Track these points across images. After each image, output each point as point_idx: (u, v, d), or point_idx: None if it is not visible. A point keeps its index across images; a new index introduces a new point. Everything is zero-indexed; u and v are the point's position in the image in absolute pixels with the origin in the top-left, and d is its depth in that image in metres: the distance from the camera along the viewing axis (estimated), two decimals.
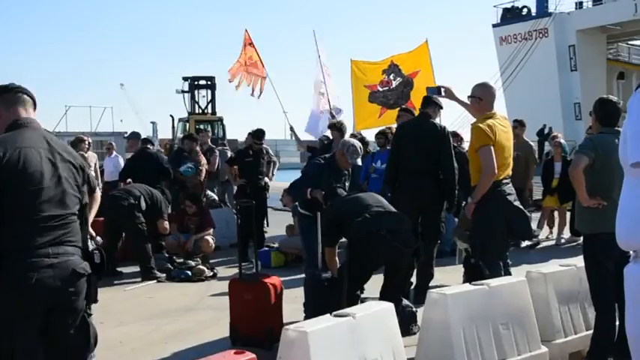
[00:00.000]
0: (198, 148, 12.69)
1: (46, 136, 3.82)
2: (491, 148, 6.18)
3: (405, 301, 6.63)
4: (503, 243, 6.48)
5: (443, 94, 7.13)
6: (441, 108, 8.33)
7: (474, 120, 6.54)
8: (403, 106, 11.08)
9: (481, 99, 6.44)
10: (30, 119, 3.86)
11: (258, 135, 11.65)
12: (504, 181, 6.35)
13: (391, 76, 14.10)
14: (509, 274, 6.42)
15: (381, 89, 14.17)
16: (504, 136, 6.37)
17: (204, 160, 12.48)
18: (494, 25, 39.96)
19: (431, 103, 8.10)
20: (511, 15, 39.38)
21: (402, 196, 7.84)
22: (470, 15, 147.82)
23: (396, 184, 8.02)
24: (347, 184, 7.80)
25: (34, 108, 3.98)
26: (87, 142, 12.72)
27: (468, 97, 6.60)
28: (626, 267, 3.30)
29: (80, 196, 3.79)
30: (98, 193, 4.37)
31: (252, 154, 11.45)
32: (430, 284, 7.63)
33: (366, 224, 6.12)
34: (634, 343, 3.31)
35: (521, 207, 6.49)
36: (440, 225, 8.07)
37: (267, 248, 10.70)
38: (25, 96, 3.94)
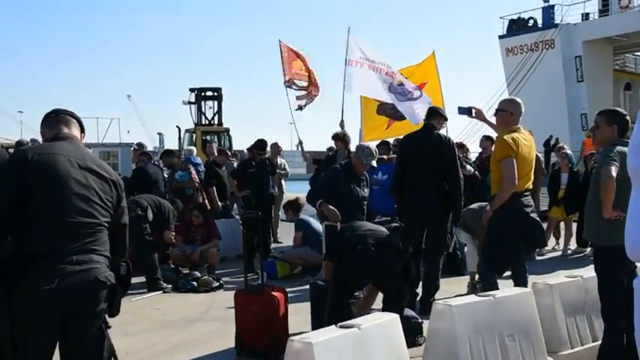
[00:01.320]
0: (176, 159, 12.64)
1: (82, 150, 3.85)
2: (514, 160, 6.39)
3: (411, 312, 6.61)
4: (514, 254, 6.62)
5: (473, 114, 7.19)
6: (446, 120, 8.38)
7: (484, 133, 6.93)
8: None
9: (512, 113, 6.75)
10: (70, 134, 3.90)
11: (260, 146, 11.67)
12: (525, 193, 6.54)
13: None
14: (525, 284, 6.43)
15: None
16: (526, 150, 6.59)
17: (193, 169, 12.46)
18: (500, 37, 39.94)
19: (436, 114, 8.14)
20: (517, 26, 39.34)
21: (408, 208, 7.87)
22: (476, 26, 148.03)
23: (402, 195, 8.03)
24: (366, 190, 7.88)
25: (80, 129, 4.03)
26: None
27: (497, 110, 6.86)
28: (635, 279, 3.29)
29: (111, 209, 3.79)
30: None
31: (255, 166, 11.45)
32: (438, 296, 7.61)
33: (352, 239, 6.28)
34: None
35: (537, 219, 6.67)
36: (445, 236, 8.04)
37: (272, 259, 10.68)
38: (69, 117, 4.00)
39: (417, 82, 14.05)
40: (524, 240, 6.61)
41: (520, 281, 6.66)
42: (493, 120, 6.93)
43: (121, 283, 3.84)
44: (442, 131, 8.34)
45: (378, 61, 13.25)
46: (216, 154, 13.66)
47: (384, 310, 5.97)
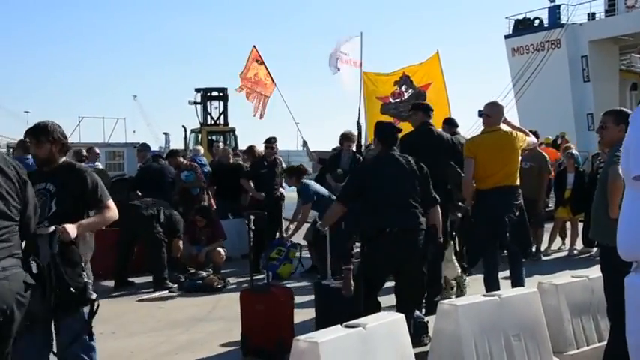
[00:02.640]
0: (182, 159, 12.53)
1: None
2: (472, 160, 7.11)
3: (417, 312, 6.61)
4: (483, 248, 7.24)
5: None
6: (431, 110, 8.39)
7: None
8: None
9: (489, 116, 7.26)
10: None
11: (269, 140, 11.61)
12: (496, 189, 7.04)
13: (403, 88, 14.04)
14: (522, 284, 6.79)
15: (392, 101, 14.11)
16: (494, 150, 7.10)
17: (199, 168, 12.36)
18: (506, 37, 39.87)
19: (429, 110, 8.11)
20: (523, 26, 39.27)
21: None
22: (482, 26, 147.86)
23: None
24: None
25: None
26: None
27: (479, 112, 7.33)
28: (627, 277, 3.33)
29: (19, 207, 3.68)
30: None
31: (267, 165, 11.44)
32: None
33: (377, 222, 5.97)
34: (635, 353, 3.32)
35: (508, 217, 7.05)
36: (447, 235, 7.98)
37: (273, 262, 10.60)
38: None
39: (421, 81, 14.06)
40: (495, 236, 7.15)
41: (517, 282, 7.10)
42: (515, 122, 7.41)
43: (36, 280, 3.69)
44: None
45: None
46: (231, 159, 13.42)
47: (397, 309, 5.93)
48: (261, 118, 13.97)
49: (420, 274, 6.16)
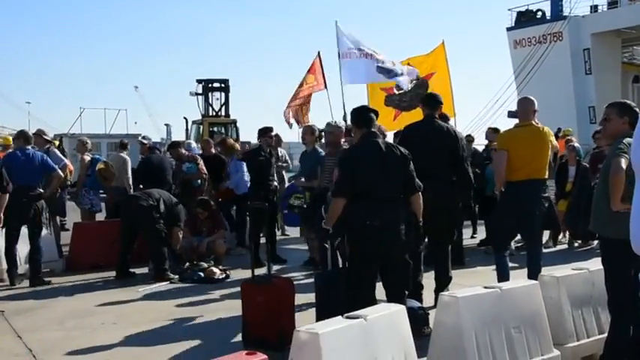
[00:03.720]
0: (184, 151, 12.47)
1: None
2: (504, 153, 7.44)
3: (417, 303, 6.62)
4: (508, 235, 7.97)
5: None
6: (441, 103, 8.34)
7: (491, 125, 7.52)
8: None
9: (520, 110, 7.70)
10: None
11: (264, 130, 11.37)
12: (525, 181, 7.35)
13: None
14: (535, 270, 7.15)
15: (397, 92, 14.10)
16: (524, 144, 7.43)
17: (200, 159, 12.26)
18: (508, 29, 39.79)
19: (436, 103, 8.02)
20: (525, 18, 39.18)
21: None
22: (484, 18, 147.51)
23: None
24: None
25: None
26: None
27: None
28: None
29: None
30: None
31: (264, 155, 11.16)
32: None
33: (363, 214, 5.89)
34: None
35: (535, 209, 7.36)
36: (453, 228, 8.00)
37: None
38: None
39: (425, 71, 14.05)
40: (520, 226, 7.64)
41: (531, 268, 7.45)
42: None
43: None
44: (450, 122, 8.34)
45: (365, 46, 13.39)
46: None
47: (388, 298, 5.94)
48: (298, 123, 14.10)
49: (403, 263, 6.12)
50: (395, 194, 6.00)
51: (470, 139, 13.49)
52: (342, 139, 9.15)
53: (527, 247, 8.01)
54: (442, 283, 7.71)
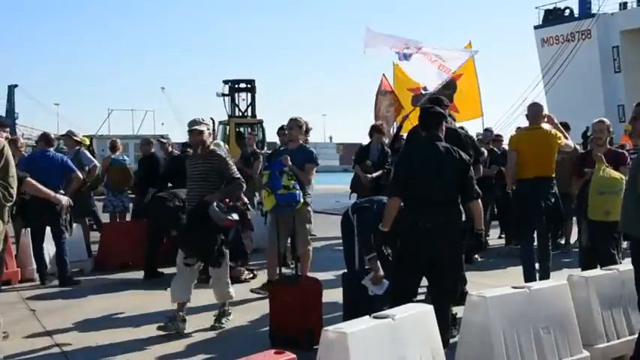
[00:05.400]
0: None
1: None
2: (513, 153, 8.18)
3: None
4: (521, 229, 8.44)
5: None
6: (447, 105, 8.29)
7: (519, 124, 7.95)
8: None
9: (527, 115, 8.32)
10: None
11: (283, 127, 11.28)
12: (533, 179, 7.89)
13: None
14: (545, 270, 7.99)
15: (424, 92, 14.05)
16: (531, 144, 8.04)
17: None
18: (535, 27, 39.54)
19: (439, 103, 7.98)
20: (553, 16, 38.91)
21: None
22: (511, 17, 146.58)
23: None
24: None
25: None
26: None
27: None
28: None
29: None
30: None
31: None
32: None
33: (414, 215, 5.82)
34: None
35: (542, 205, 7.85)
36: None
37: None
38: None
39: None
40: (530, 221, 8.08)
41: (540, 266, 8.08)
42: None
43: None
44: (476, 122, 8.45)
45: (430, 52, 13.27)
46: (255, 146, 13.30)
47: (434, 302, 5.82)
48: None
49: (453, 267, 6.02)
50: (449, 197, 5.85)
51: (499, 138, 13.42)
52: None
53: (538, 243, 8.29)
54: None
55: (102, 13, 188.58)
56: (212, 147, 7.33)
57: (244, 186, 7.34)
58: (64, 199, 7.88)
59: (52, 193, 7.60)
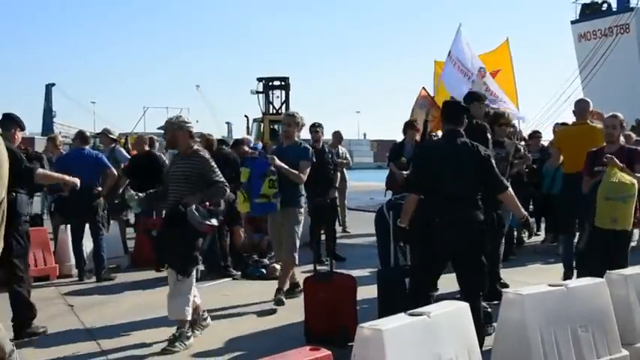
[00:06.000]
0: (247, 148, 12.50)
1: None
2: (555, 150, 8.90)
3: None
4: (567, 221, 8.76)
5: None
6: (483, 101, 8.24)
7: (556, 120, 8.07)
8: None
9: (574, 111, 8.66)
10: None
11: (314, 124, 11.27)
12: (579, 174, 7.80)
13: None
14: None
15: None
16: (574, 140, 8.44)
17: None
18: (572, 22, 39.02)
19: (472, 100, 7.93)
20: (590, 11, 38.34)
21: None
22: (548, 12, 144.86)
23: None
24: None
25: None
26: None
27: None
28: None
29: None
30: None
31: (315, 152, 10.94)
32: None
33: (432, 211, 5.78)
34: None
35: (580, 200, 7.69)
36: (501, 222, 7.89)
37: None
38: None
39: (491, 69, 13.99)
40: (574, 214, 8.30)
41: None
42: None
43: None
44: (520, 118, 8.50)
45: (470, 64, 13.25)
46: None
47: (463, 298, 5.77)
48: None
49: (477, 263, 5.88)
50: (468, 193, 5.80)
51: (537, 134, 13.30)
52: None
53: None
54: (490, 279, 7.62)
55: (137, 12, 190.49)
56: (196, 147, 6.75)
57: (227, 190, 6.80)
58: (77, 180, 7.37)
59: (65, 177, 7.28)
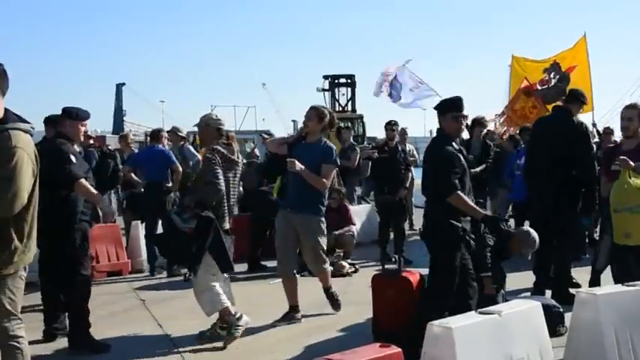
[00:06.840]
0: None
1: None
2: None
3: (552, 301, 6.42)
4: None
5: None
6: (585, 103, 8.07)
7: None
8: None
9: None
10: None
11: (389, 122, 11.27)
12: None
13: (551, 75, 13.96)
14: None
15: (540, 88, 14.00)
16: None
17: None
18: None
19: (574, 100, 7.80)
20: None
21: (532, 195, 7.90)
22: (629, 8, 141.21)
23: (530, 181, 7.93)
24: None
25: None
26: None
27: None
28: None
29: None
30: None
31: (388, 150, 11.00)
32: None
33: (456, 218, 5.77)
34: None
35: None
36: (568, 226, 7.71)
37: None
38: None
39: (567, 65, 13.96)
40: None
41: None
42: None
43: None
44: (586, 116, 8.21)
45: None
46: (351, 140, 13.39)
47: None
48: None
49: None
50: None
51: (608, 131, 12.96)
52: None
53: None
54: (560, 281, 7.64)
55: (205, 12, 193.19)
56: (213, 146, 6.62)
57: (221, 191, 6.53)
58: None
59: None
